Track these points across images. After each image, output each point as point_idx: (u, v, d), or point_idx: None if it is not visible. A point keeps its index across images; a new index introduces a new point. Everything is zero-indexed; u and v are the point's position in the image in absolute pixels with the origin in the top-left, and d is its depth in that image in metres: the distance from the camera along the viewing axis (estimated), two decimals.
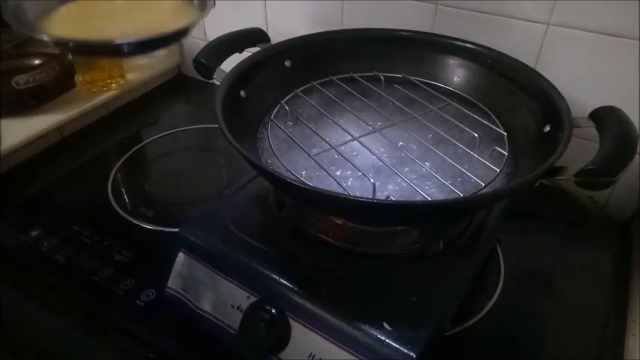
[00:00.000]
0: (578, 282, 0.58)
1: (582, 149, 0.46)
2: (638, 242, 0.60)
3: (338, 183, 0.44)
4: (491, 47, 0.58)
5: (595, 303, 0.55)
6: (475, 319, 0.52)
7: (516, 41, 0.65)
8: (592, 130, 0.45)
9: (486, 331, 0.51)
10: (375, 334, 0.40)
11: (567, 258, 0.61)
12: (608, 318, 0.54)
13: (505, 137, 0.51)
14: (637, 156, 0.64)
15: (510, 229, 0.61)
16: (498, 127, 0.52)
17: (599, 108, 0.45)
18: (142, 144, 0.79)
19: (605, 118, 0.43)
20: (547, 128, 0.47)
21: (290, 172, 0.46)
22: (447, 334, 0.49)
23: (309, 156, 0.48)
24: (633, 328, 0.51)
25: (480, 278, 0.55)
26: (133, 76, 0.89)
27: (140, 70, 0.92)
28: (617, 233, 0.65)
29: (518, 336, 0.51)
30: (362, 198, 0.39)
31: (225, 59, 0.54)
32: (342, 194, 0.41)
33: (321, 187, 0.45)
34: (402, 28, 0.63)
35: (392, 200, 0.42)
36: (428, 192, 0.45)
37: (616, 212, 0.69)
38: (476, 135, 0.50)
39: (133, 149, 0.78)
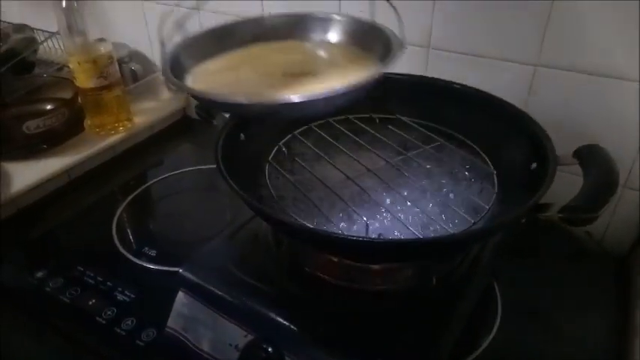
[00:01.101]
0: (577, 317, 0.58)
1: (575, 185, 0.47)
2: (636, 275, 0.60)
3: (332, 222, 0.46)
4: (482, 89, 0.60)
5: (594, 338, 0.55)
6: (472, 356, 0.52)
7: (506, 82, 0.67)
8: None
9: None
10: None
11: (565, 293, 0.61)
12: (608, 354, 0.53)
13: (494, 175, 0.52)
14: (628, 190, 0.65)
15: (507, 265, 0.62)
16: (488, 165, 0.54)
17: (582, 146, 0.47)
18: (147, 185, 0.82)
19: (588, 155, 0.45)
20: (534, 165, 0.48)
21: (287, 212, 0.48)
22: None
23: (305, 196, 0.49)
24: None
25: (478, 315, 0.56)
26: (140, 120, 0.92)
27: (147, 113, 0.95)
28: (615, 267, 0.66)
29: None
30: (354, 236, 0.40)
31: None
32: (336, 233, 0.42)
33: (315, 226, 0.46)
34: (396, 71, 0.66)
35: (383, 238, 0.43)
36: (419, 229, 0.46)
37: (614, 246, 0.69)
38: (467, 173, 0.52)
39: (138, 190, 0.80)
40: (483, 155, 0.55)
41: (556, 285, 0.62)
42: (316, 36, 0.56)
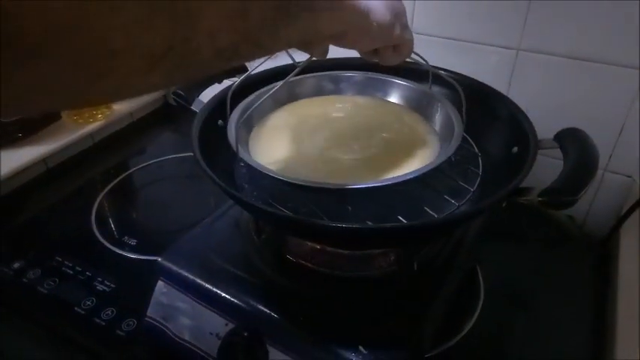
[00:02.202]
0: (558, 300, 0.58)
1: (558, 169, 0.47)
2: (616, 259, 0.61)
3: (314, 208, 0.45)
4: (466, 74, 0.60)
5: (575, 321, 0.56)
6: (455, 339, 0.52)
7: (489, 66, 0.67)
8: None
9: (467, 352, 0.51)
10: (352, 357, 0.40)
11: (547, 276, 0.61)
12: (587, 336, 0.54)
13: (479, 157, 0.52)
14: (609, 174, 0.66)
15: (490, 249, 0.62)
16: (473, 147, 0.54)
17: (563, 129, 0.47)
18: (127, 173, 0.80)
19: (568, 139, 0.45)
20: (515, 149, 0.48)
21: (266, 200, 0.47)
22: (427, 355, 0.50)
23: (284, 181, 0.48)
24: (612, 343, 0.51)
25: (461, 298, 0.56)
26: (119, 107, 0.91)
27: (126, 100, 0.93)
28: (595, 251, 0.66)
29: (498, 356, 0.52)
30: (335, 224, 0.39)
31: (203, 90, 0.56)
32: (317, 221, 0.41)
33: (295, 212, 0.45)
34: None
35: (365, 225, 0.42)
36: (403, 214, 0.45)
37: (594, 230, 0.70)
38: (451, 156, 0.51)
39: (118, 178, 0.79)
40: (468, 138, 0.55)
41: (538, 269, 0.62)
42: (380, 95, 0.59)
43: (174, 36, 0.22)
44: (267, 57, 0.35)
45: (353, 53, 0.62)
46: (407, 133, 0.53)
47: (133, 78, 0.22)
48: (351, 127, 0.54)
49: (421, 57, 0.46)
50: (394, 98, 0.59)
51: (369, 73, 0.60)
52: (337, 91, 0.60)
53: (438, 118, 0.53)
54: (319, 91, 0.60)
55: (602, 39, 0.59)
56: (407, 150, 0.50)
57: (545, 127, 0.50)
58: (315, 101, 0.59)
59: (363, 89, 0.60)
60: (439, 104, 0.54)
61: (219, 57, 0.25)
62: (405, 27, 0.38)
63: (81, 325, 0.54)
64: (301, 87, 0.59)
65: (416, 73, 0.59)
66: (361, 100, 0.59)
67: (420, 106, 0.56)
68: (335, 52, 0.53)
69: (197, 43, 0.23)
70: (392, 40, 0.38)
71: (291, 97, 0.58)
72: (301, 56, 0.40)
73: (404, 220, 0.44)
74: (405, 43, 0.39)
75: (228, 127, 0.49)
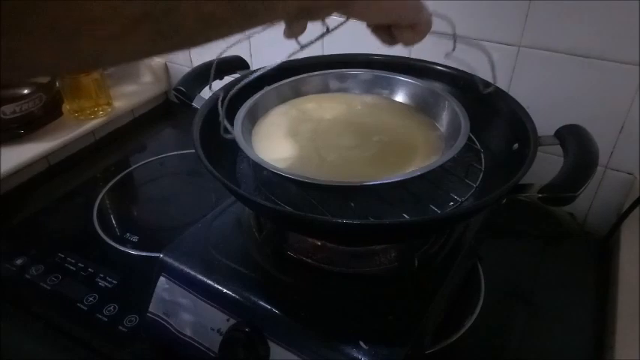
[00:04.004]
0: (559, 297, 0.58)
1: (559, 166, 0.47)
2: (617, 257, 0.61)
3: (315, 205, 0.45)
4: (466, 70, 0.60)
5: (575, 318, 0.56)
6: (456, 336, 0.52)
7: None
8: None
9: (467, 348, 0.52)
10: (352, 353, 0.40)
11: (548, 273, 0.61)
12: (587, 332, 0.54)
13: (482, 154, 0.52)
14: (610, 171, 0.66)
15: (491, 246, 0.62)
16: (475, 143, 0.54)
17: (563, 126, 0.47)
18: (129, 170, 0.81)
19: (568, 136, 0.45)
20: (515, 146, 0.48)
21: (268, 196, 0.47)
22: (428, 352, 0.50)
23: (286, 178, 0.48)
24: (611, 340, 0.51)
25: (461, 295, 0.56)
26: (120, 104, 0.91)
27: (127, 97, 0.94)
28: (596, 248, 0.66)
29: (499, 352, 0.52)
30: (337, 220, 0.39)
31: (204, 87, 0.55)
32: (318, 217, 0.41)
33: (296, 208, 0.46)
34: (379, 53, 0.65)
35: (367, 221, 0.42)
36: (407, 211, 0.45)
37: (595, 228, 0.70)
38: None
39: (120, 175, 0.79)
40: (470, 134, 0.55)
41: (539, 266, 0.62)
42: (386, 93, 0.59)
43: None
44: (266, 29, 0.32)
45: (359, 49, 0.63)
46: (412, 132, 0.53)
47: (113, 41, 0.21)
48: (356, 125, 0.53)
49: (446, 18, 0.44)
50: (401, 96, 0.58)
51: (376, 70, 0.59)
52: (343, 89, 0.60)
53: (445, 116, 0.53)
54: (325, 89, 0.59)
55: (603, 35, 0.59)
56: (411, 148, 0.49)
57: (545, 123, 0.50)
58: (320, 99, 0.58)
59: (369, 87, 0.59)
60: (446, 102, 0.53)
61: (206, 24, 0.23)
62: (419, 4, 0.36)
63: (83, 321, 0.54)
64: (307, 85, 0.58)
65: (422, 70, 0.59)
66: (367, 98, 0.59)
67: (426, 104, 0.56)
68: (341, 48, 0.53)
69: (180, 6, 0.22)
70: (406, 17, 0.35)
71: (296, 95, 0.58)
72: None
73: (407, 217, 0.44)
74: (421, 21, 0.37)
75: (235, 124, 0.48)
